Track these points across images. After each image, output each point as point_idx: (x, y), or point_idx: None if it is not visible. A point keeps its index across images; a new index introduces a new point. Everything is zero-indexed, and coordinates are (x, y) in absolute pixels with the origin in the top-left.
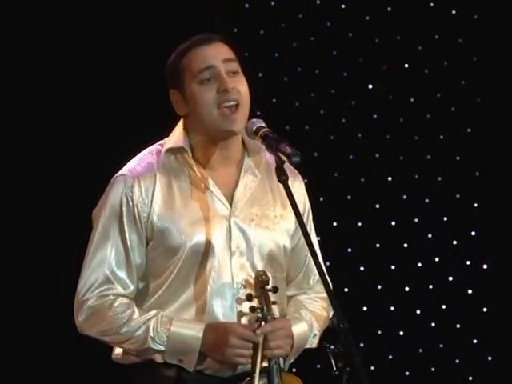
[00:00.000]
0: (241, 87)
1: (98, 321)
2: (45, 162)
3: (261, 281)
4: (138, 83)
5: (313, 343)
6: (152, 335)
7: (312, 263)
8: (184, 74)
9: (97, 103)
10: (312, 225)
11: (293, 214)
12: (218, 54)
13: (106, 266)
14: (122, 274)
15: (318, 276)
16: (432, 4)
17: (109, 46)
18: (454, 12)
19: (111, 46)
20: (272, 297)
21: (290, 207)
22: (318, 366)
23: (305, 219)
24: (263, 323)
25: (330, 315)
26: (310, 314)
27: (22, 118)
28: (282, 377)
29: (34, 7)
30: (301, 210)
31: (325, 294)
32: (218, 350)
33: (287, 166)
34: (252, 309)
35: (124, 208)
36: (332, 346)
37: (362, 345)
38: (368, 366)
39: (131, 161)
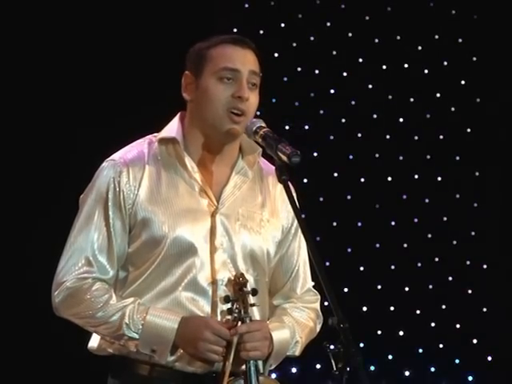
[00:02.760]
0: (253, 101)
1: (75, 303)
2: (34, 155)
3: (238, 282)
4: (137, 81)
5: (295, 351)
6: (127, 322)
7: (300, 272)
8: (207, 63)
9: (92, 100)
10: (301, 233)
11: (280, 223)
12: (247, 62)
13: (87, 250)
14: (103, 259)
15: (307, 286)
16: (432, 4)
17: (109, 44)
18: (453, 12)
19: (112, 44)
20: (251, 299)
21: (279, 215)
22: (318, 366)
23: (294, 227)
24: (240, 324)
25: (318, 327)
26: (293, 321)
27: (11, 111)
28: (260, 380)
29: (31, 5)
30: (289, 219)
31: (313, 305)
32: (192, 342)
33: (276, 176)
34: (229, 310)
35: (110, 193)
36: (332, 346)
37: (361, 345)
38: (368, 365)
39: (123, 148)
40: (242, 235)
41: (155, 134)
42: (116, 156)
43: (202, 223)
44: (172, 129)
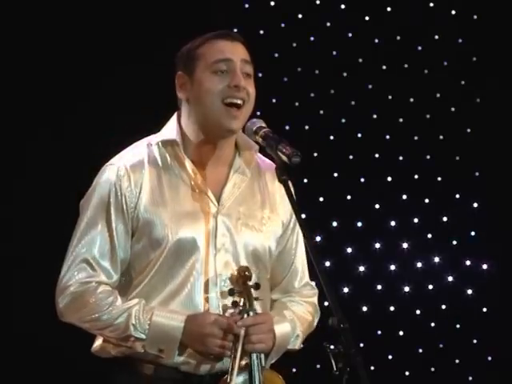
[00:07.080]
0: (250, 89)
1: (80, 307)
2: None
3: (243, 276)
4: (136, 82)
5: (295, 344)
6: (134, 322)
7: (298, 266)
8: (199, 60)
9: (90, 102)
10: (298, 228)
11: (280, 219)
12: (238, 52)
13: (90, 254)
14: (106, 263)
15: (304, 280)
16: (432, 4)
17: (108, 44)
18: (453, 12)
19: (111, 45)
20: (254, 293)
21: (278, 211)
22: (318, 366)
23: (292, 222)
24: (245, 317)
25: (316, 321)
26: (293, 315)
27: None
28: (264, 373)
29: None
30: (288, 214)
31: (311, 299)
32: (200, 339)
33: (275, 175)
34: (234, 303)
35: (112, 197)
36: (332, 347)
37: (361, 345)
38: (368, 366)
39: (122, 151)
40: (243, 234)
41: (153, 136)
42: (115, 160)
43: (204, 224)
44: (171, 130)
